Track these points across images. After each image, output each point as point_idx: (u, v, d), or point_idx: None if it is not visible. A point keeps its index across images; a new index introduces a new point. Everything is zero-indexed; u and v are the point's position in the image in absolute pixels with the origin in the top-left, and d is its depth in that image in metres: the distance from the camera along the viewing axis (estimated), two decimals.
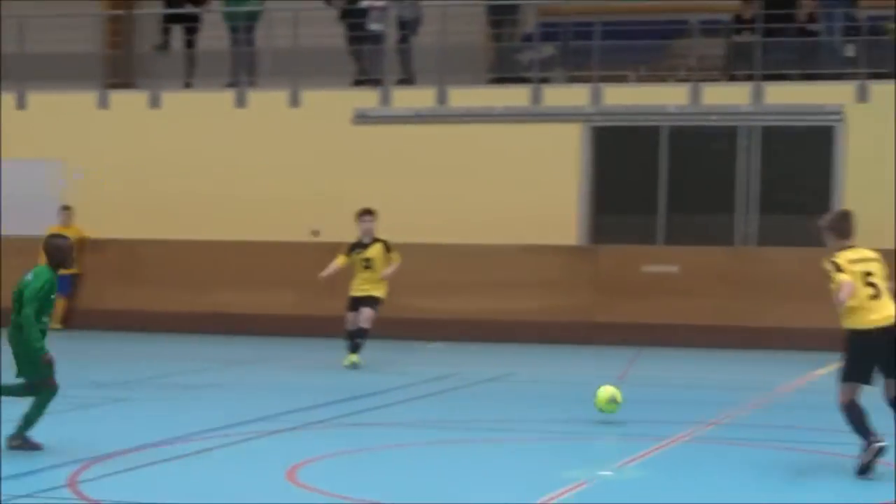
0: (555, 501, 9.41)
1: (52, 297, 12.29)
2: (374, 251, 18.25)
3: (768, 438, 12.79)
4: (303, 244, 22.66)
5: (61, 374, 13.05)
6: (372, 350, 19.30)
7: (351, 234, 20.16)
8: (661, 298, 21.29)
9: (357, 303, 18.23)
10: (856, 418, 10.54)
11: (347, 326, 18.35)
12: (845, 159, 21.08)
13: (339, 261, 18.55)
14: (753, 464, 11.49)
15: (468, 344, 21.10)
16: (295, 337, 22.46)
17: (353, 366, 17.74)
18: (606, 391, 12.39)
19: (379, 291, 18.24)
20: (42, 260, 12.47)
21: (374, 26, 23.14)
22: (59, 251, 12.22)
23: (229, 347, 21.59)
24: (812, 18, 22.32)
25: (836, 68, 22.07)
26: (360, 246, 18.42)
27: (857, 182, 20.81)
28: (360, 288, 18.31)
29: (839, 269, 10.50)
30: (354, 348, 18.19)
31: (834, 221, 11.00)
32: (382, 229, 19.86)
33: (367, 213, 18.51)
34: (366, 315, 18.05)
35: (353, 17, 23.35)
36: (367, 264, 18.24)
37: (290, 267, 22.60)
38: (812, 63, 22.30)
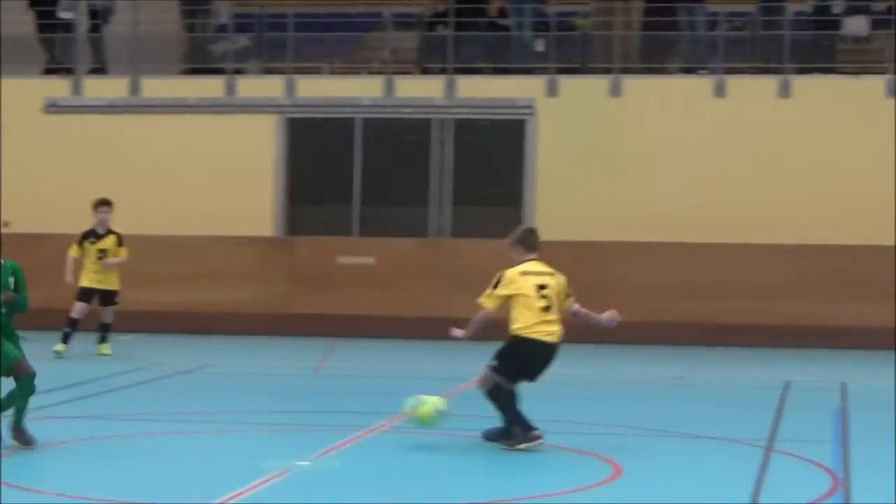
0: (255, 491, 9.47)
1: None
2: (109, 242, 18.13)
3: (457, 426, 12.44)
4: None
5: None
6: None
7: (45, 227, 21.20)
8: (357, 290, 21.34)
9: (90, 293, 18.16)
10: (504, 401, 11.09)
11: (73, 314, 18.12)
12: (536, 152, 21.36)
13: (73, 252, 18.33)
14: (442, 447, 11.72)
15: (164, 336, 20.81)
16: None
17: (58, 355, 17.35)
18: (428, 406, 11.46)
19: (115, 284, 18.20)
20: None
21: (64, 14, 22.88)
22: None
23: None
24: (503, 13, 22.56)
25: (527, 63, 22.33)
26: (94, 235, 18.28)
27: (547, 174, 21.20)
28: (94, 279, 18.16)
29: (499, 284, 11.10)
30: (66, 338, 17.98)
31: (521, 236, 11.52)
32: (66, 220, 20.07)
33: (105, 203, 18.33)
34: (108, 312, 18.08)
35: (43, 5, 22.98)
36: (102, 255, 18.11)
37: None
38: (503, 57, 22.54)
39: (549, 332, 11.10)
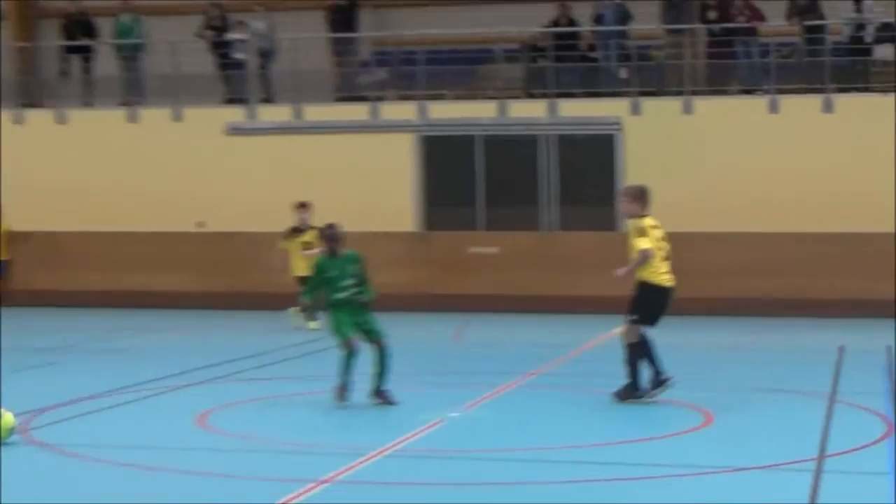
0: (418, 437, 11.08)
1: None
2: (310, 236, 19.55)
3: (577, 383, 14.65)
4: (191, 234, 24.38)
5: (3, 344, 16.01)
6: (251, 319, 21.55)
7: (232, 226, 23.27)
8: (484, 274, 22.89)
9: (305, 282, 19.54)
10: (645, 352, 12.24)
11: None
12: (623, 160, 22.81)
13: (282, 245, 20.28)
14: (566, 400, 13.40)
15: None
16: (194, 309, 23.49)
17: (315, 330, 18.86)
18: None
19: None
20: None
21: (238, 55, 25.04)
22: None
23: (140, 319, 22.58)
24: (592, 48, 24.27)
25: (613, 87, 23.52)
26: (298, 231, 20.07)
27: (633, 178, 21.15)
28: (302, 267, 19.47)
29: (643, 233, 12.02)
30: (313, 315, 19.38)
31: (639, 193, 12.56)
32: (248, 220, 23.06)
33: (304, 205, 20.14)
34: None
35: (222, 49, 25.23)
36: (306, 247, 19.67)
37: (182, 252, 24.34)
38: (594, 83, 23.83)
39: (670, 278, 12.28)
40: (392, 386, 12.81)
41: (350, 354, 12.52)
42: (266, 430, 11.83)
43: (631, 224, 12.46)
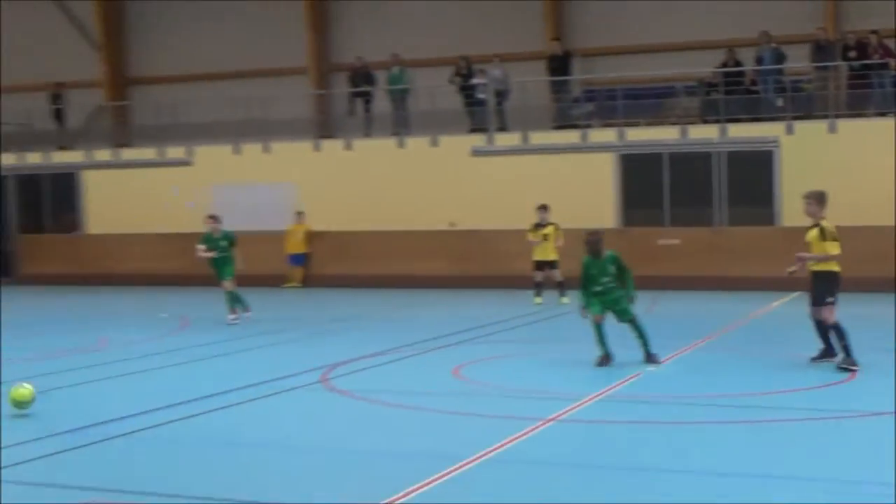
0: (624, 385, 11.91)
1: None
2: (549, 230, 21.28)
3: (744, 346, 15.24)
4: (445, 231, 26.92)
5: (308, 313, 18.90)
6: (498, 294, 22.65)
7: (476, 224, 26.20)
8: (669, 260, 24.46)
9: (542, 265, 21.34)
10: (844, 333, 12.09)
11: (536, 279, 21.47)
12: (780, 171, 24.36)
13: (531, 235, 21.54)
14: (738, 359, 14.01)
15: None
16: (448, 289, 25.31)
17: (539, 304, 20.50)
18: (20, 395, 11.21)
19: (555, 256, 21.18)
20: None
21: (480, 95, 27.55)
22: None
23: (408, 296, 24.46)
24: (754, 83, 25.82)
25: (771, 113, 25.11)
26: (540, 226, 21.43)
27: (788, 184, 23.67)
28: (543, 254, 21.30)
29: (834, 237, 11.93)
30: (539, 291, 21.14)
31: (820, 196, 12.31)
32: (491, 220, 25.73)
33: (544, 207, 21.62)
34: (554, 274, 21.02)
35: (467, 91, 27.98)
36: (546, 238, 21.26)
37: (439, 245, 26.76)
38: (756, 110, 25.41)
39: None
40: (594, 347, 13.48)
41: (598, 328, 13.19)
42: (505, 380, 12.57)
43: (823, 227, 12.21)
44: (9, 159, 32.02)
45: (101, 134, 32.69)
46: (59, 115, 32.08)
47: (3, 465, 9.02)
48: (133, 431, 10.39)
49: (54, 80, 33.50)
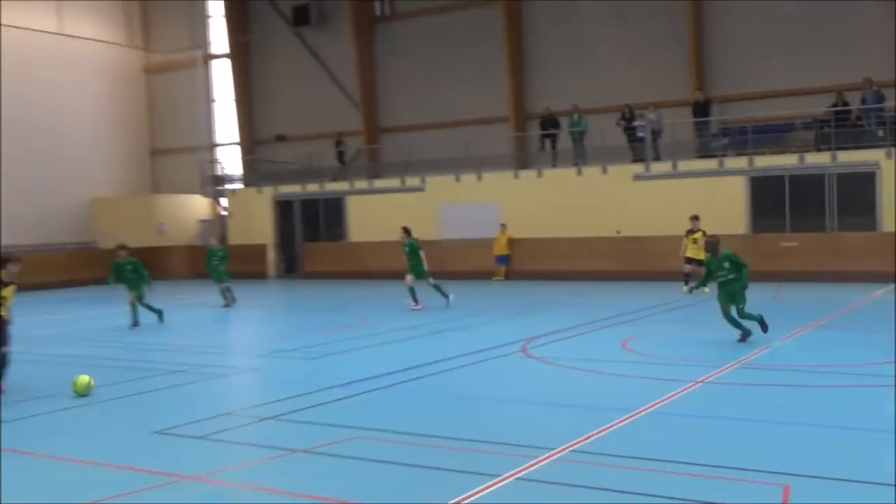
0: (755, 356, 11.41)
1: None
2: (699, 235, 20.88)
3: (853, 326, 14.69)
4: (612, 238, 26.84)
5: (510, 299, 18.97)
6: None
7: (637, 232, 25.64)
8: (788, 258, 24.06)
9: (691, 261, 21.15)
10: None
11: (685, 271, 21.36)
12: (881, 188, 23.87)
13: (685, 240, 21.31)
14: (847, 336, 13.31)
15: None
16: (613, 282, 24.85)
17: (694, 292, 16.86)
18: (82, 381, 10.50)
19: (702, 255, 18.47)
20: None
21: (640, 133, 27.45)
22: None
23: (582, 287, 23.77)
24: (859, 118, 25.09)
25: (873, 142, 24.54)
26: (691, 232, 21.30)
27: (888, 199, 23.53)
28: (694, 253, 20.86)
29: None
30: (688, 280, 20.74)
31: None
32: (650, 229, 25.09)
33: (695, 217, 21.43)
34: (700, 269, 18.96)
35: (630, 130, 27.83)
36: (695, 241, 20.92)
37: (608, 248, 26.73)
38: (860, 140, 24.76)
39: None
40: (737, 329, 12.96)
41: (725, 314, 12.61)
42: (662, 350, 12.26)
43: None
44: (294, 188, 33.80)
45: (360, 169, 33.76)
46: (340, 157, 33.10)
47: (291, 410, 9.25)
48: (387, 386, 10.57)
49: (334, 129, 35.07)
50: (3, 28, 33.39)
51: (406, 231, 18.98)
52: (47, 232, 34.73)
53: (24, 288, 22.48)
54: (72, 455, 7.76)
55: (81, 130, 36.60)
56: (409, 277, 18.77)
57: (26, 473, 7.41)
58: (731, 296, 12.33)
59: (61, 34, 35.46)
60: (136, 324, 17.02)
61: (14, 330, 10.60)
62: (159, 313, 17.51)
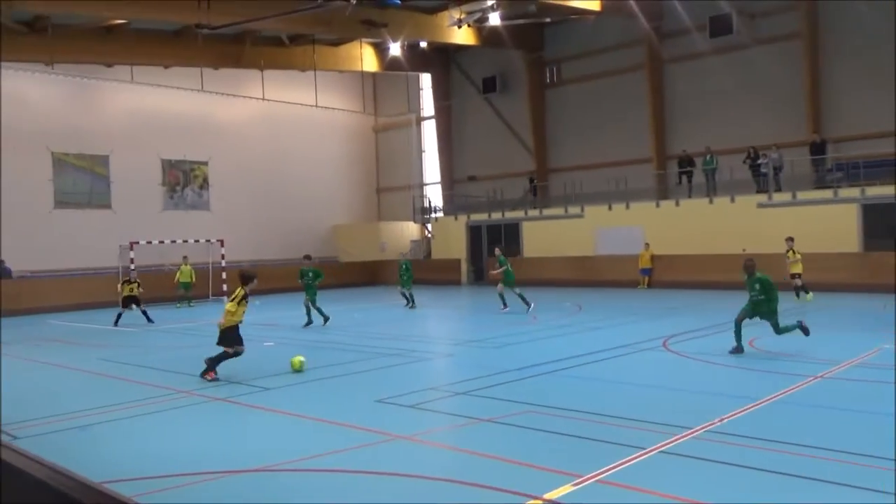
0: (866, 358, 10.43)
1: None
2: (790, 254, 19.90)
3: None
4: (739, 254, 23.50)
5: (651, 304, 18.21)
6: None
7: (762, 249, 23.43)
8: None
9: (795, 276, 19.85)
10: None
11: (798, 284, 19.79)
12: None
13: (790, 255, 19.85)
14: None
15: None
16: (742, 291, 23.81)
17: (799, 301, 18.12)
18: (297, 360, 10.65)
19: (799, 269, 19.68)
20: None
21: (763, 170, 25.63)
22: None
23: (713, 296, 22.24)
24: None
25: None
26: (791, 250, 20.05)
27: None
28: (795, 268, 19.84)
29: None
30: (798, 293, 19.62)
31: None
32: (763, 246, 23.32)
33: (790, 239, 20.33)
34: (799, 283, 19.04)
35: (754, 168, 26.04)
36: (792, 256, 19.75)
37: (736, 263, 23.71)
38: None
39: None
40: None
41: (738, 322, 11.31)
42: (786, 348, 11.45)
43: None
44: (482, 216, 33.03)
45: (532, 200, 33.38)
46: (534, 190, 32.37)
47: (479, 388, 9.21)
48: (551, 371, 10.39)
49: (514, 170, 35.24)
50: (275, 102, 35.69)
51: (499, 250, 19.03)
52: (302, 250, 36.46)
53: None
54: (310, 414, 7.97)
55: (328, 176, 38.61)
56: (500, 286, 18.58)
57: (276, 426, 7.59)
58: (759, 313, 11.02)
59: (315, 105, 37.38)
60: (309, 322, 16.41)
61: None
62: (325, 318, 16.46)
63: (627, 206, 28.61)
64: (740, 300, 20.34)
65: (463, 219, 33.81)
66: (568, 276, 29.20)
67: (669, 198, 28.22)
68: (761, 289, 11.04)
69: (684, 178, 27.99)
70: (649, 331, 14.21)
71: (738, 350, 10.92)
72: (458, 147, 38.90)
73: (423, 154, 41.15)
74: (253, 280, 10.09)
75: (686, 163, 27.96)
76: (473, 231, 33.73)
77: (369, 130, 41.93)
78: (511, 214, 32.34)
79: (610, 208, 28.94)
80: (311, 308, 16.19)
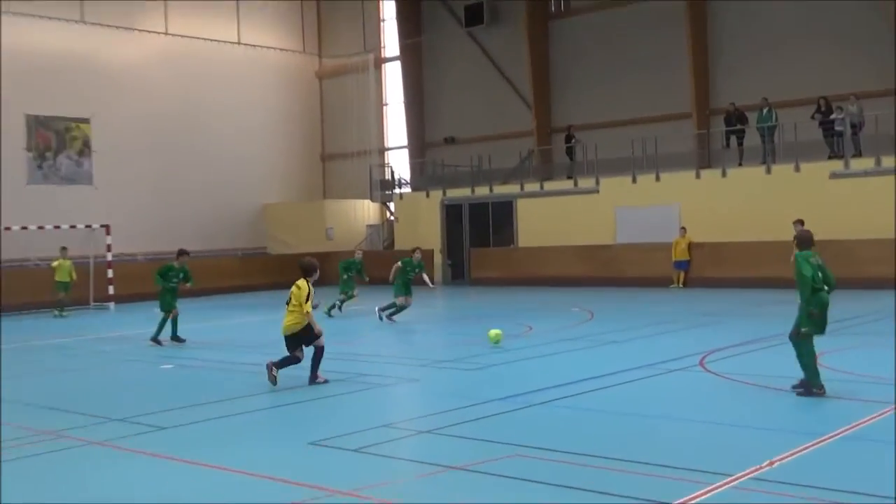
0: None
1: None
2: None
3: None
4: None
5: (685, 308, 19.18)
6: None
7: (835, 236, 23.94)
8: None
9: None
10: None
11: None
12: None
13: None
14: None
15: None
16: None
17: None
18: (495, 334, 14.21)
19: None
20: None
21: (838, 128, 26.52)
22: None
23: (768, 294, 23.08)
24: None
25: None
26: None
27: None
28: None
29: None
30: None
31: None
32: (843, 231, 24.30)
33: (799, 221, 20.35)
34: None
35: (826, 124, 26.81)
36: None
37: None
38: None
39: None
40: None
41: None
42: (859, 367, 11.75)
43: None
44: (463, 192, 34.86)
45: (530, 171, 34.14)
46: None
47: (450, 423, 9.33)
48: (551, 400, 10.48)
49: (505, 131, 35.91)
50: (183, 38, 35.94)
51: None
52: (223, 237, 37.16)
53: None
54: (216, 462, 8.00)
55: (256, 138, 38.83)
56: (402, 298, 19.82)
57: (169, 480, 7.66)
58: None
59: (237, 42, 37.67)
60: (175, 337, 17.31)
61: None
62: (157, 334, 17.36)
63: (657, 178, 29.44)
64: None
65: (437, 195, 35.29)
66: (577, 271, 29.99)
67: (713, 166, 28.96)
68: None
69: (733, 140, 28.74)
70: (683, 345, 14.52)
71: (809, 390, 10.10)
72: (431, 99, 39.29)
73: (385, 108, 41.47)
74: (316, 271, 11.87)
75: (736, 119, 28.58)
76: (451, 212, 35.05)
77: (311, 76, 42.20)
78: (502, 189, 33.38)
79: (634, 180, 29.83)
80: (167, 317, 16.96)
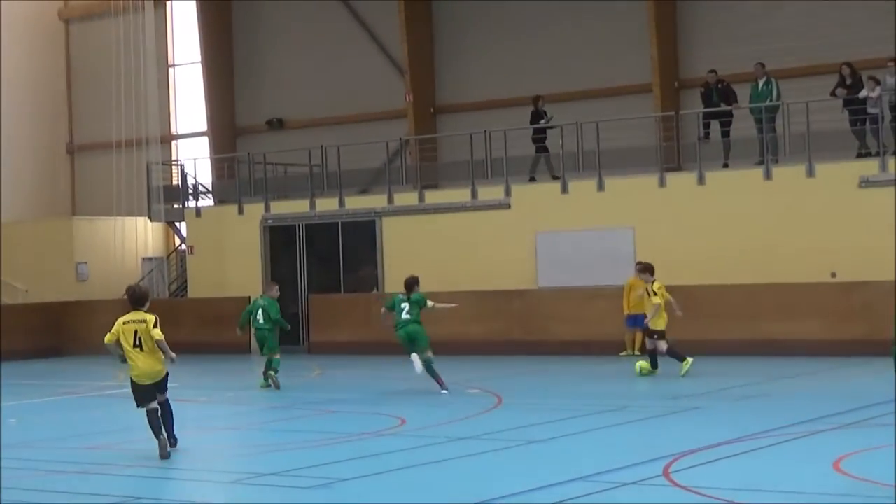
0: None
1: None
2: None
3: None
4: (824, 284, 26.44)
5: (648, 387, 20.52)
6: None
7: (864, 276, 25.61)
8: None
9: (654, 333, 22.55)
10: None
11: None
12: None
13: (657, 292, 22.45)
14: None
15: None
16: (826, 357, 25.30)
17: None
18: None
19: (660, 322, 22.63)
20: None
21: (870, 111, 26.97)
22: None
23: (774, 366, 24.46)
24: None
25: None
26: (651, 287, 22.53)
27: None
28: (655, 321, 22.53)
29: None
30: None
31: None
32: (884, 270, 25.10)
33: (644, 268, 22.55)
34: None
35: (854, 105, 27.21)
36: None
37: (815, 301, 26.45)
38: None
39: None
40: None
41: None
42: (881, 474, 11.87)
43: None
44: (297, 205, 34.66)
45: (404, 173, 34.35)
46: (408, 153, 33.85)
47: None
48: None
49: (362, 111, 37.31)
50: None
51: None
52: None
53: None
54: None
55: None
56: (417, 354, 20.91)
57: None
58: None
59: None
60: None
61: None
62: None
63: (600, 185, 29.60)
64: (829, 373, 23.84)
65: (256, 210, 35.13)
66: (478, 331, 30.04)
67: (685, 167, 29.69)
68: None
69: (715, 127, 29.49)
70: (640, 445, 14.79)
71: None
72: (247, 59, 39.59)
73: (172, 72, 41.61)
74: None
75: (719, 96, 29.30)
76: (278, 237, 35.16)
77: (52, 17, 41.76)
78: (359, 202, 34.08)
79: (564, 189, 30.12)
80: None
